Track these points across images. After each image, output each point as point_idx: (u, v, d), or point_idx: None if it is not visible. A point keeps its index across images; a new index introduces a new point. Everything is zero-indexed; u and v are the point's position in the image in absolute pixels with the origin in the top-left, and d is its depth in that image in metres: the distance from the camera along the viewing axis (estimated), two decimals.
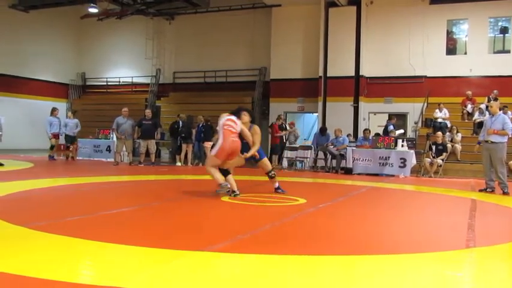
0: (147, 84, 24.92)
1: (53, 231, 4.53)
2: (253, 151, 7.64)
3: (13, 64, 23.35)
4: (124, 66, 26.02)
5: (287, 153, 15.74)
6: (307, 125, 22.87)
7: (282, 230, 5.23)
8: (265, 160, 8.21)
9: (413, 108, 18.68)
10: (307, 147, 15.42)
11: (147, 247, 4.08)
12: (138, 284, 3.11)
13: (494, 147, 9.18)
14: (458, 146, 14.84)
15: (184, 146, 15.36)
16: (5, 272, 3.26)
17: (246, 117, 7.75)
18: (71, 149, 16.47)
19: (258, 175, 12.70)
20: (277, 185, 8.21)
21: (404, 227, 5.86)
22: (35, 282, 3.09)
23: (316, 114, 20.02)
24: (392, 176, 13.05)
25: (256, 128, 7.92)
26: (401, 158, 13.19)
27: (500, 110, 9.81)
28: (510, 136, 9.28)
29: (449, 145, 14.34)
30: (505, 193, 9.11)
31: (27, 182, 9.15)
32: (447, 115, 16.65)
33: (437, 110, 16.86)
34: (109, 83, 26.37)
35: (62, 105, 23.80)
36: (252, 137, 7.66)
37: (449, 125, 16.07)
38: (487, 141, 9.34)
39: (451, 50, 18.96)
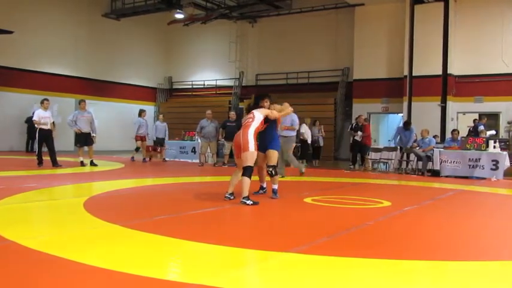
0: (231, 87, 25.45)
1: (143, 230, 4.74)
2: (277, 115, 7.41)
3: (105, 70, 24.67)
4: (208, 69, 26.71)
5: (371, 155, 15.43)
6: (391, 125, 22.31)
7: (366, 233, 5.16)
8: (274, 153, 7.47)
9: (506, 108, 17.73)
10: (392, 149, 15.05)
11: (235, 247, 4.18)
12: (227, 284, 3.18)
13: (286, 140, 11.04)
14: None
15: None
16: (101, 267, 3.47)
17: (266, 103, 7.44)
18: (158, 150, 17.15)
19: (338, 177, 12.58)
20: (275, 187, 7.46)
21: (497, 232, 5.57)
22: (127, 278, 3.25)
23: (401, 114, 19.53)
24: (483, 178, 12.46)
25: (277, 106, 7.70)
26: (493, 160, 12.54)
27: None
28: (296, 129, 11.50)
29: None
30: (302, 173, 11.59)
31: (119, 181, 9.65)
32: None
33: None
34: (194, 86, 27.18)
35: (150, 108, 24.83)
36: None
37: None
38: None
39: None
